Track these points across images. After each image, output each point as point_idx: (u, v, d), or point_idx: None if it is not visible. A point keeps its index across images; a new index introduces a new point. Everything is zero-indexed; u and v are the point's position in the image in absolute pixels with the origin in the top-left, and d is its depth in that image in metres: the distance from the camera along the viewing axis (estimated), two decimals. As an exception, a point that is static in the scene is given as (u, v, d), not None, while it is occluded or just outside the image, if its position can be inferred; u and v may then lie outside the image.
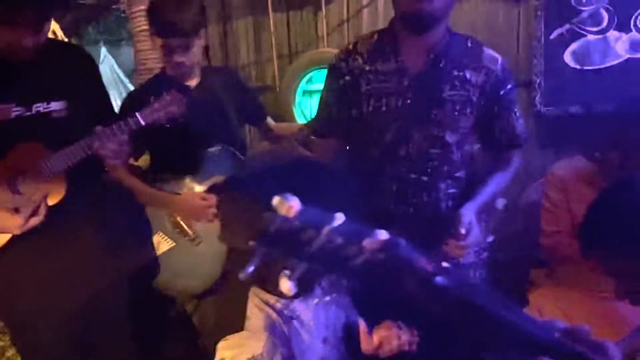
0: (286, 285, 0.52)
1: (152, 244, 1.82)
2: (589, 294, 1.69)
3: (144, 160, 1.93)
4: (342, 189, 0.99)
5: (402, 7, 1.33)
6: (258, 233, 0.50)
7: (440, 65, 1.37)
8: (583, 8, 2.10)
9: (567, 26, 2.13)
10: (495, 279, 2.13)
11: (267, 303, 1.06)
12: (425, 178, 1.42)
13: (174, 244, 1.80)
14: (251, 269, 0.52)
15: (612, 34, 2.08)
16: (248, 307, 1.08)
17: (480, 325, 0.54)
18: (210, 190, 1.80)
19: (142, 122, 1.49)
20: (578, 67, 2.14)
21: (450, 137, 1.40)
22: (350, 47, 1.48)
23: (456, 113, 1.38)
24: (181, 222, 1.81)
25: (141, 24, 2.54)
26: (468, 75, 1.38)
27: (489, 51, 1.42)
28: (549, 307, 1.79)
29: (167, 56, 1.75)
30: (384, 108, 1.40)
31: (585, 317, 1.57)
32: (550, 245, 1.80)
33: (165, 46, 1.73)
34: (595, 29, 2.10)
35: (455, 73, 1.37)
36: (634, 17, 2.05)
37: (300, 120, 2.68)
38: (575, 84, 2.14)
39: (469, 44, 1.42)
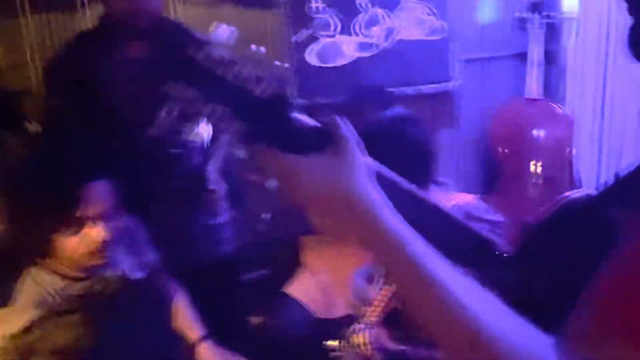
0: (205, 131, 0.58)
1: None
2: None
3: None
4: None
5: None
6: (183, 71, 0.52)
7: None
8: (316, 16, 2.53)
9: (306, 31, 2.54)
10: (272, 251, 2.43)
11: (42, 283, 1.13)
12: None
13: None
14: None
15: (342, 37, 2.56)
16: (18, 287, 1.12)
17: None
18: None
19: None
20: (319, 65, 2.57)
21: None
22: None
23: None
24: None
25: None
26: None
27: None
28: (317, 264, 2.15)
29: None
30: None
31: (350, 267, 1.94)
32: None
33: None
34: (328, 33, 2.55)
35: None
36: (356, 24, 2.55)
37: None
38: (319, 79, 2.57)
39: None
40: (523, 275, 0.64)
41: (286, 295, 2.07)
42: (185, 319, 1.35)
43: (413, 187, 0.66)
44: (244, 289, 2.15)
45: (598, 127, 2.52)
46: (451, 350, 0.50)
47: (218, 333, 1.41)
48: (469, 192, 2.67)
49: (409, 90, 2.59)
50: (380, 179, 0.62)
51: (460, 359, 0.50)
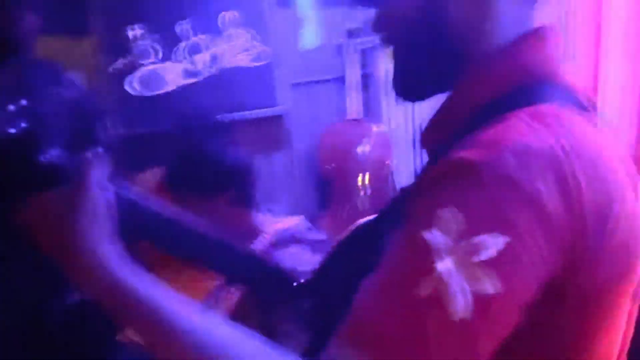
0: None
1: None
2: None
3: None
4: None
5: None
6: None
7: None
8: (135, 44, 2.44)
9: (125, 59, 2.44)
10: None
11: None
12: None
13: None
14: None
15: (165, 64, 2.50)
16: None
17: None
18: None
19: None
20: (142, 93, 2.48)
21: None
22: None
23: None
24: None
25: None
26: None
27: None
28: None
29: None
30: None
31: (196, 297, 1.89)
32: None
33: None
34: (150, 61, 2.48)
35: None
36: (179, 50, 2.51)
37: None
38: (142, 108, 2.47)
39: None
40: (318, 303, 0.67)
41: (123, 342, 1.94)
42: None
43: (201, 226, 0.67)
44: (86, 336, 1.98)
45: (412, 141, 2.78)
46: None
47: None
48: (304, 213, 2.78)
49: (238, 116, 2.61)
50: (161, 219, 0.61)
51: None
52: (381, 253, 0.59)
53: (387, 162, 2.69)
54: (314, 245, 1.39)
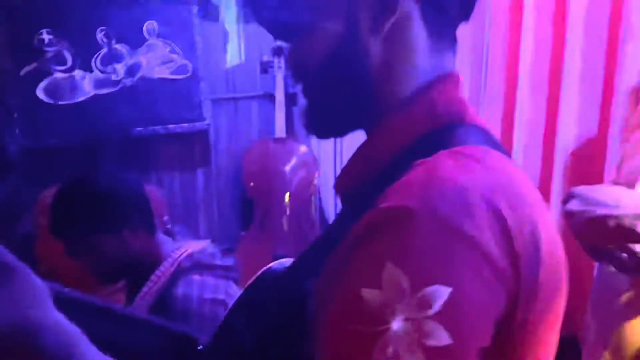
0: None
1: None
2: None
3: None
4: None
5: None
6: None
7: None
8: (47, 49, 2.27)
9: (34, 64, 2.25)
10: None
11: None
12: None
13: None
14: None
15: (78, 73, 2.33)
16: None
17: None
18: None
19: None
20: (51, 102, 2.30)
21: None
22: None
23: None
24: None
25: None
26: None
27: None
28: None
29: None
30: None
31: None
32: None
33: None
34: (61, 68, 2.30)
35: None
36: (93, 59, 2.36)
37: None
38: (50, 118, 2.29)
39: None
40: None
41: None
42: None
43: (97, 301, 0.59)
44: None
45: (337, 162, 2.77)
46: None
47: None
48: (223, 234, 2.69)
49: (158, 129, 2.49)
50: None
51: None
52: (294, 307, 0.55)
53: (311, 183, 2.65)
54: (223, 270, 1.31)
